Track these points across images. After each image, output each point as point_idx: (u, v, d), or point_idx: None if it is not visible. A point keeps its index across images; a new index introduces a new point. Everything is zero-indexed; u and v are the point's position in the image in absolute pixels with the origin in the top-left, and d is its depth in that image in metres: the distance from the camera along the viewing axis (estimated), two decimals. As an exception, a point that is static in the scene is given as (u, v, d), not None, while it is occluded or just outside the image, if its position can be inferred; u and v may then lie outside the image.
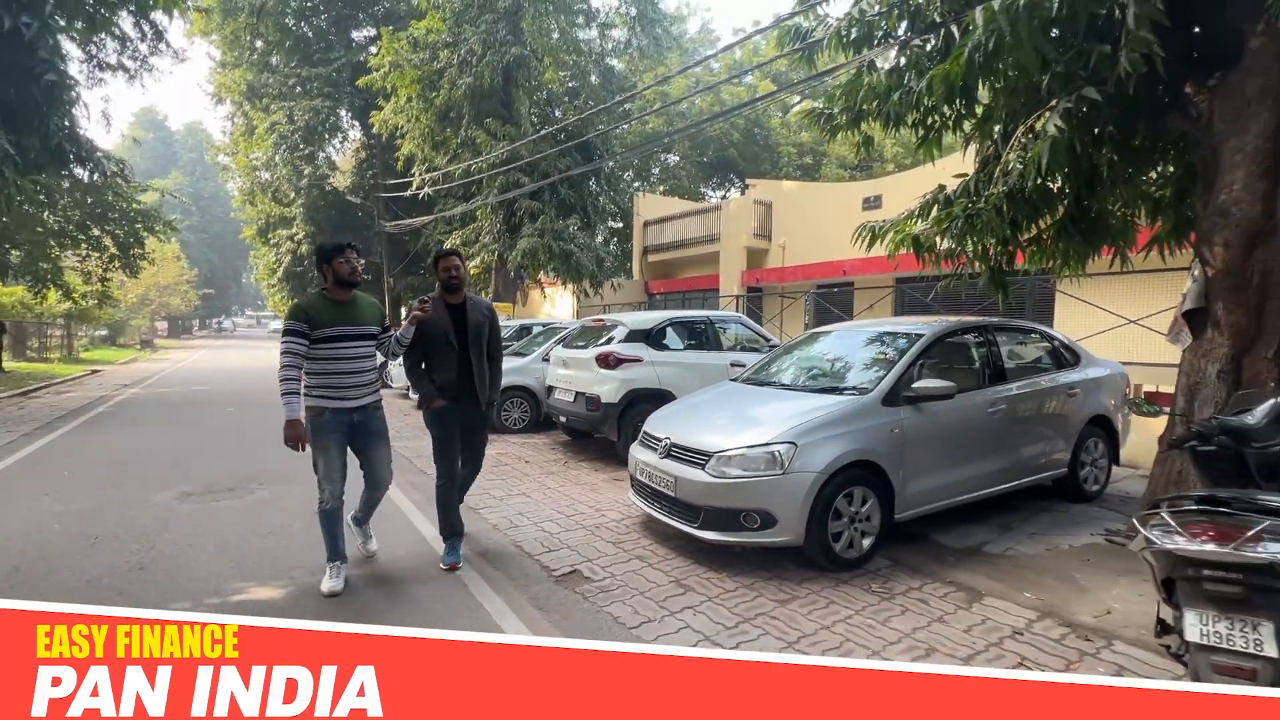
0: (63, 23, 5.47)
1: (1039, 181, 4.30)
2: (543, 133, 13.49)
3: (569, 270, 14.78)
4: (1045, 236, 5.15)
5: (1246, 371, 3.56)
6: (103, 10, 6.29)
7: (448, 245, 16.41)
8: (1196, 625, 1.97)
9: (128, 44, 11.49)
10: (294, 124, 20.13)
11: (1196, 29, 4.14)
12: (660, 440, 4.10)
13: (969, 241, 4.59)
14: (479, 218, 15.94)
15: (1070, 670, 2.63)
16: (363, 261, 3.68)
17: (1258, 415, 2.69)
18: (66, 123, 5.26)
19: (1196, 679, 1.99)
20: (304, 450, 3.23)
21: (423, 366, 3.72)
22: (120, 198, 13.71)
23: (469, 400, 3.74)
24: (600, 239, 19.28)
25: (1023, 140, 4.08)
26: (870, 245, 5.12)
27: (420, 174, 16.33)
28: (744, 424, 3.93)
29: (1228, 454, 2.64)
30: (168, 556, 3.81)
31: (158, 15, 11.26)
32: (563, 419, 7.09)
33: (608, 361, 6.41)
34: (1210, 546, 1.93)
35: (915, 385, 3.94)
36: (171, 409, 10.61)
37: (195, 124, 61.34)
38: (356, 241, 3.56)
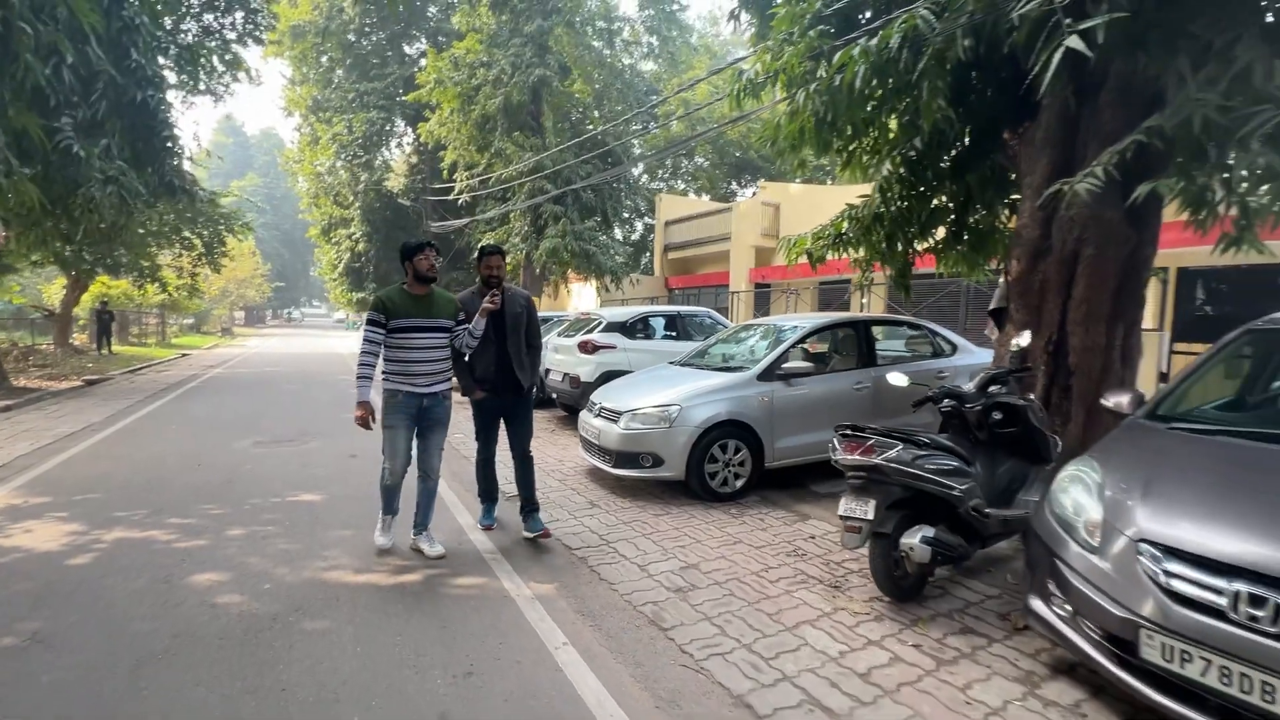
0: (174, 75, 7.25)
1: (893, 207, 5.45)
2: (565, 145, 14.94)
3: (589, 268, 16.23)
4: (940, 247, 6.20)
5: (1030, 357, 4.59)
6: (204, 57, 8.02)
7: (485, 245, 18.15)
8: (843, 504, 3.18)
9: (215, 73, 13.66)
10: (353, 134, 22.34)
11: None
12: (595, 405, 5.46)
13: (850, 251, 5.73)
14: (511, 219, 17.60)
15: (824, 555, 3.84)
16: (441, 260, 4.07)
17: (972, 384, 3.84)
18: (175, 163, 7.05)
19: (841, 537, 3.22)
20: (371, 428, 3.51)
21: (465, 359, 3.89)
22: (210, 204, 15.93)
23: (508, 390, 3.93)
24: (620, 236, 20.62)
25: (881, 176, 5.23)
26: (788, 257, 6.29)
27: (462, 180, 18.11)
28: (652, 392, 5.23)
29: (955, 411, 3.78)
30: (246, 477, 5.44)
31: (237, 46, 13.43)
32: (554, 395, 8.53)
33: (587, 348, 7.80)
34: (848, 456, 3.15)
35: (784, 365, 5.16)
36: (247, 385, 12.66)
37: (269, 129, 66.28)
38: (434, 240, 3.98)
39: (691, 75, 20.86)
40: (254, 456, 6.21)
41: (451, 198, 19.45)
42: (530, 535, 3.98)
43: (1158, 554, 2.09)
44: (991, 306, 4.91)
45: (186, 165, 7.98)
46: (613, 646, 2.75)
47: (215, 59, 7.67)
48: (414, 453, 3.70)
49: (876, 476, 3.10)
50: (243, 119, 76.57)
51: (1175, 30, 3.49)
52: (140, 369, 15.60)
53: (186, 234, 18.03)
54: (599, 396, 5.62)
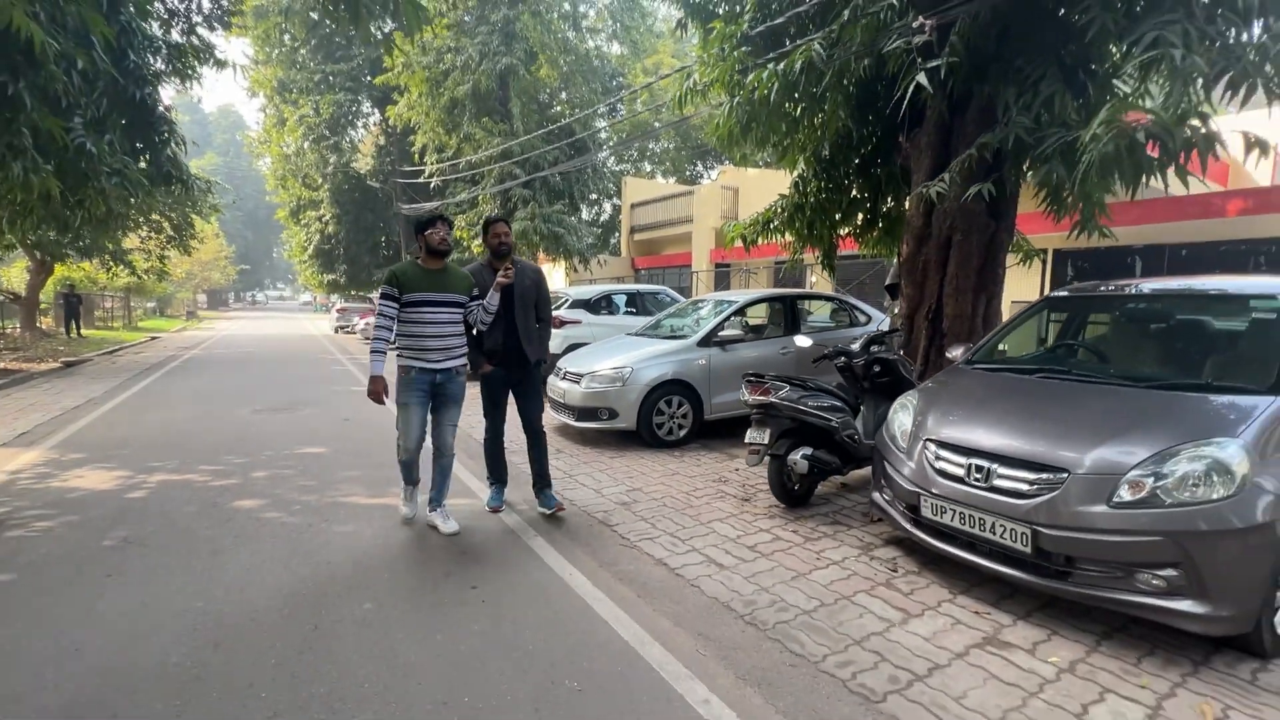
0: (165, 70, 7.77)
1: (812, 199, 6.41)
2: (535, 133, 15.56)
3: (558, 249, 16.96)
4: (859, 232, 7.19)
5: (916, 325, 5.63)
6: (191, 55, 8.48)
7: (455, 228, 18.70)
8: (748, 433, 4.16)
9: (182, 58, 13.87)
10: (320, 116, 22.44)
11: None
12: (561, 370, 6.36)
13: (779, 236, 6.69)
14: (481, 202, 18.16)
15: (726, 481, 4.84)
16: (453, 232, 3.92)
17: (859, 343, 4.84)
18: (170, 153, 7.62)
19: (745, 458, 4.21)
20: (385, 403, 3.52)
21: (473, 333, 3.80)
22: (204, 192, 16.05)
23: (516, 364, 3.86)
24: (589, 217, 21.30)
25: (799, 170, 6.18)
26: (726, 241, 7.22)
27: (432, 163, 18.55)
28: (609, 357, 6.15)
29: (846, 365, 4.77)
30: (255, 436, 6.21)
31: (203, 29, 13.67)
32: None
33: (554, 323, 8.65)
34: (751, 396, 4.12)
35: (720, 334, 6.12)
36: (229, 364, 13.18)
37: (227, 107, 64.26)
38: (447, 215, 3.82)
39: (654, 60, 21.50)
40: (256, 421, 6.96)
41: (422, 181, 19.87)
42: (546, 512, 3.96)
43: (934, 447, 3.10)
44: (887, 282, 5.94)
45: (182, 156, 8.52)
46: (570, 536, 3.69)
47: (197, 60, 8.06)
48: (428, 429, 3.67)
49: (772, 411, 4.08)
50: (198, 95, 73.87)
51: (1005, 65, 4.47)
52: (115, 351, 15.90)
53: (155, 216, 18.15)
54: (564, 363, 6.51)
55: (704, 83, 6.22)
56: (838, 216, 6.75)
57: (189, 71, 7.82)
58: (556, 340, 8.55)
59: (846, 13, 4.68)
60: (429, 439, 3.71)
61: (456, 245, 22.10)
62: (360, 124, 26.09)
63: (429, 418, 3.67)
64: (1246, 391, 2.73)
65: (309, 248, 26.39)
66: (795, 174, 6.48)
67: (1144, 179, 3.78)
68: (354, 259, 26.55)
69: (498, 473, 4.16)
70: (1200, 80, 3.35)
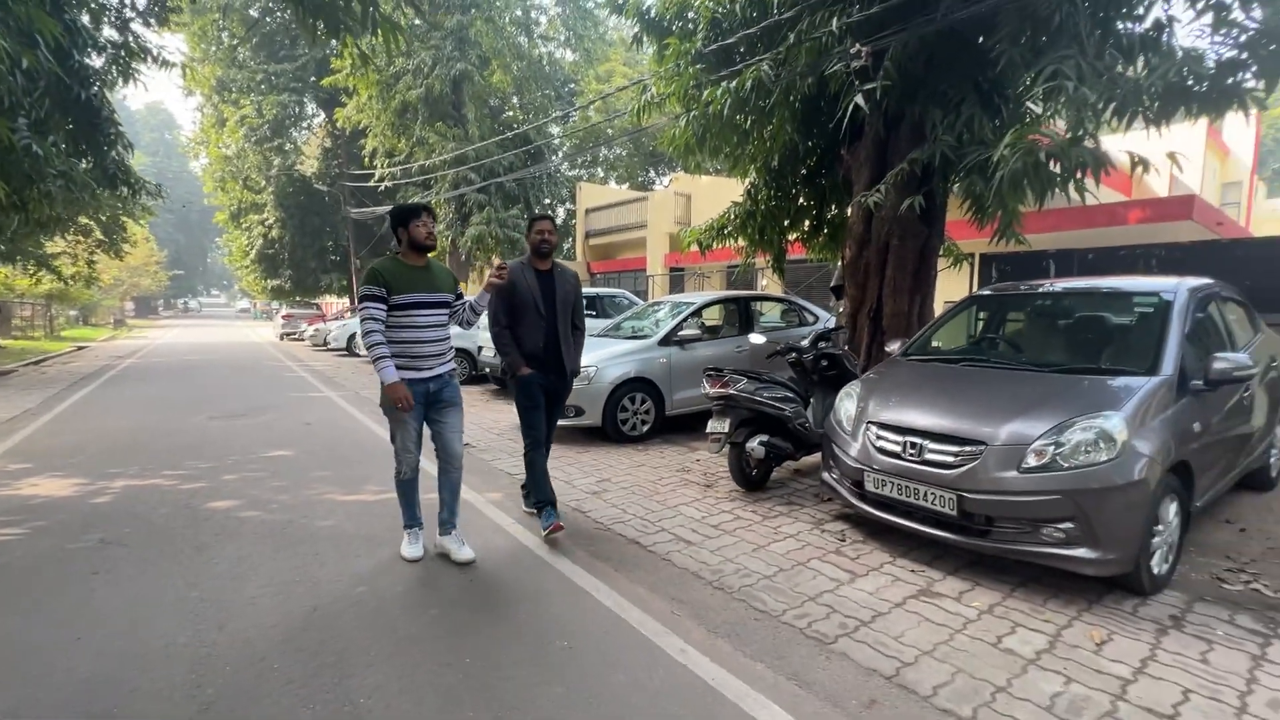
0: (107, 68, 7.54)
1: (762, 206, 6.84)
2: (489, 141, 15.63)
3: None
4: (806, 237, 7.67)
5: (859, 323, 6.10)
6: (134, 56, 8.23)
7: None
8: (710, 423, 4.49)
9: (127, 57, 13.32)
10: (263, 117, 21.78)
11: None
12: (527, 370, 6.56)
13: (732, 241, 7.08)
14: (435, 206, 18.05)
15: (690, 470, 5.17)
16: (438, 225, 3.64)
17: (808, 340, 5.24)
18: (115, 155, 7.40)
19: (708, 447, 4.55)
20: (409, 409, 3.09)
21: (511, 334, 3.62)
22: (155, 196, 15.31)
23: (555, 370, 3.70)
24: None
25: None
26: (683, 246, 7.57)
27: (383, 166, 18.32)
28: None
29: (797, 360, 5.16)
30: (216, 441, 6.16)
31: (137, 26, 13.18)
32: (488, 370, 9.50)
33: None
34: (711, 389, 4.45)
35: (680, 334, 6.45)
36: (173, 371, 12.71)
37: (156, 104, 60.98)
38: (430, 209, 3.36)
39: (606, 68, 21.85)
40: (215, 427, 6.87)
41: (372, 184, 19.58)
42: (545, 529, 3.59)
43: (875, 429, 3.49)
44: (832, 284, 6.40)
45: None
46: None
47: (139, 59, 7.80)
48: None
49: (731, 402, 4.42)
50: (124, 92, 69.90)
51: (932, 89, 4.98)
52: (41, 361, 15.04)
53: (84, 220, 17.24)
54: (529, 363, 6.70)
55: (660, 96, 6.56)
56: (786, 223, 7.20)
57: (130, 71, 7.61)
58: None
59: (792, 36, 5.10)
60: (431, 452, 3.41)
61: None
62: (305, 125, 25.43)
63: (424, 429, 3.33)
64: (1129, 373, 3.23)
65: (251, 252, 25.51)
66: (747, 183, 6.89)
67: (1049, 192, 4.32)
68: (299, 264, 25.80)
69: (545, 491, 3.68)
70: (1094, 106, 3.88)
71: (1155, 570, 2.92)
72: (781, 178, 6.79)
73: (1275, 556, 3.35)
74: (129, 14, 12.81)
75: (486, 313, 3.58)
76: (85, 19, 7.74)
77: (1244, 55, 3.66)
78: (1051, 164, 4.03)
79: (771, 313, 8.61)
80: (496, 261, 19.80)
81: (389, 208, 20.29)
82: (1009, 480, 2.90)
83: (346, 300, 28.04)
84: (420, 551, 3.35)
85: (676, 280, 17.94)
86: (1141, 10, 4.27)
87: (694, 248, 7.27)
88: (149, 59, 8.28)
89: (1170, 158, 4.13)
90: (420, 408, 3.22)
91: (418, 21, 17.18)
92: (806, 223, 7.38)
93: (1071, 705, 2.11)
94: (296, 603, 2.83)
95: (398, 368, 3.10)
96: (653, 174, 30.74)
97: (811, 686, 2.22)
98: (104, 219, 18.02)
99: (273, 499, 4.35)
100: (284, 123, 22.83)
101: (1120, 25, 4.29)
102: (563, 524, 3.60)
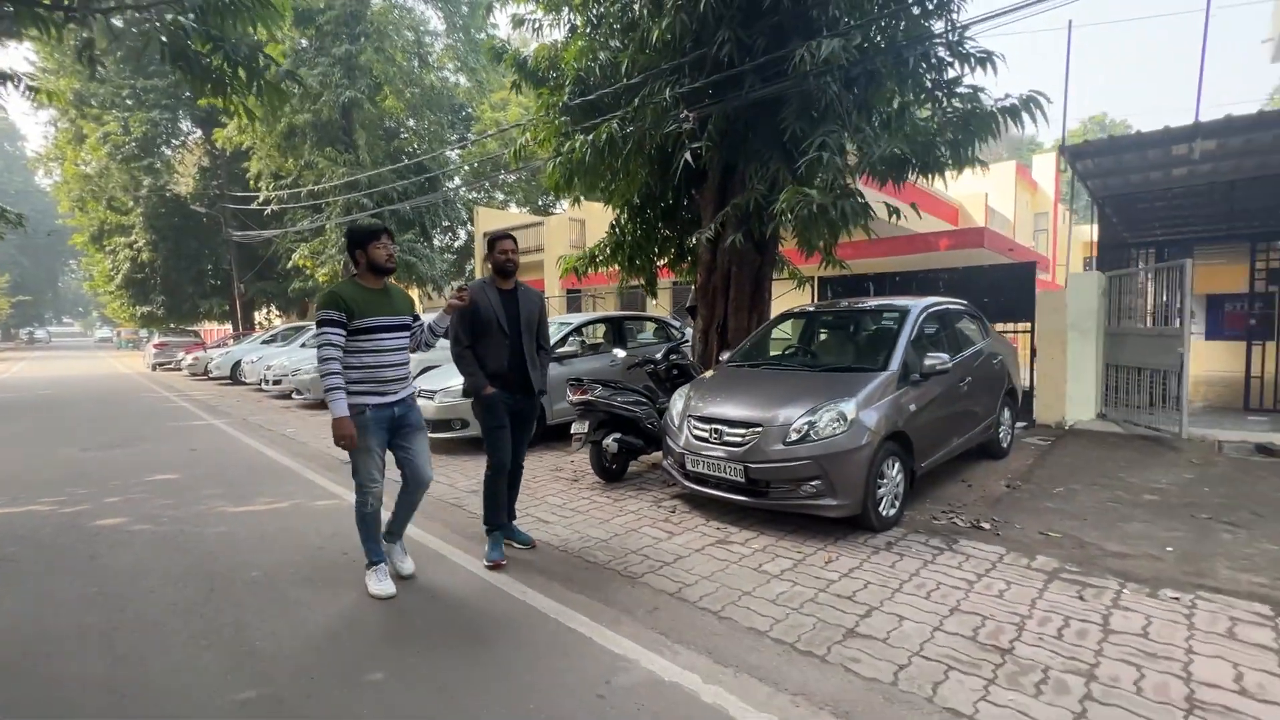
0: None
1: (629, 238, 7.80)
2: (384, 168, 15.80)
3: (410, 277, 17.17)
4: (672, 264, 8.70)
5: (709, 338, 7.15)
6: None
7: (298, 256, 18.14)
8: (574, 426, 5.27)
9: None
10: (130, 135, 20.52)
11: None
12: (417, 388, 7.06)
13: (606, 268, 7.99)
14: (327, 230, 17.84)
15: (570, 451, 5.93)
16: (396, 247, 3.36)
17: (660, 353, 6.17)
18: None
19: (572, 445, 5.34)
20: (358, 446, 3.03)
21: (472, 353, 3.59)
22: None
23: (521, 389, 3.67)
24: (445, 244, 21.60)
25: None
26: (561, 272, 8.38)
27: (269, 189, 17.88)
28: (458, 375, 6.97)
29: (652, 370, 6.06)
30: (95, 471, 6.18)
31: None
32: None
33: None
34: (574, 396, 5.24)
35: (556, 350, 7.23)
36: (30, 407, 11.85)
37: (-8, 111, 54.30)
38: (390, 231, 3.29)
39: (500, 96, 22.52)
40: (90, 459, 6.81)
41: (256, 207, 19.00)
42: (520, 546, 3.83)
43: (693, 421, 4.41)
44: (687, 305, 7.43)
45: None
46: (427, 515, 4.51)
47: None
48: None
49: (590, 407, 5.23)
50: (-52, 96, 61.62)
51: (751, 146, 6.12)
52: None
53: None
54: (420, 381, 7.21)
55: (535, 140, 7.40)
56: (655, 251, 8.21)
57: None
58: (413, 362, 9.15)
59: (637, 100, 6.09)
60: (396, 478, 3.36)
61: (298, 275, 21.20)
62: (180, 143, 24.06)
63: (388, 456, 3.25)
64: (869, 370, 4.35)
65: (117, 277, 23.63)
66: (612, 218, 7.82)
67: (842, 230, 5.51)
68: (174, 289, 24.22)
69: (499, 515, 3.67)
70: (854, 166, 5.11)
71: (884, 513, 4.00)
72: (644, 212, 7.78)
73: (982, 503, 4.57)
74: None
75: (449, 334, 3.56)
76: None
77: (943, 136, 5.02)
78: (833, 211, 5.22)
79: (647, 331, 9.58)
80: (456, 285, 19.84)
81: (274, 231, 19.75)
82: (778, 452, 3.89)
83: (229, 327, 26.52)
84: (392, 588, 3.18)
85: (574, 301, 18.73)
86: (892, 99, 5.62)
87: (574, 273, 8.11)
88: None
89: (913, 207, 5.45)
90: (384, 434, 3.15)
91: (305, 43, 17.09)
92: (672, 251, 8.43)
93: (789, 596, 3.05)
94: (194, 589, 3.29)
95: (363, 393, 3.04)
96: (551, 197, 31.57)
97: (613, 605, 3.03)
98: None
99: (162, 514, 4.64)
100: (155, 140, 21.55)
101: (878, 107, 5.62)
102: (504, 562, 3.56)
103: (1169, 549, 3.60)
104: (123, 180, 21.57)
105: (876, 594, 3.07)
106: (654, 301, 17.29)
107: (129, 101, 20.95)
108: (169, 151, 23.56)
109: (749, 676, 2.39)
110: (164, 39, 4.06)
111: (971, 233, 11.09)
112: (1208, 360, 12.99)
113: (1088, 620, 2.77)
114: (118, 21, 4.48)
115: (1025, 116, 5.01)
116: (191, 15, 4.26)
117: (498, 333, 3.57)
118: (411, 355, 3.37)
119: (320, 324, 3.00)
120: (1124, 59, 70.65)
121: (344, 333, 3.00)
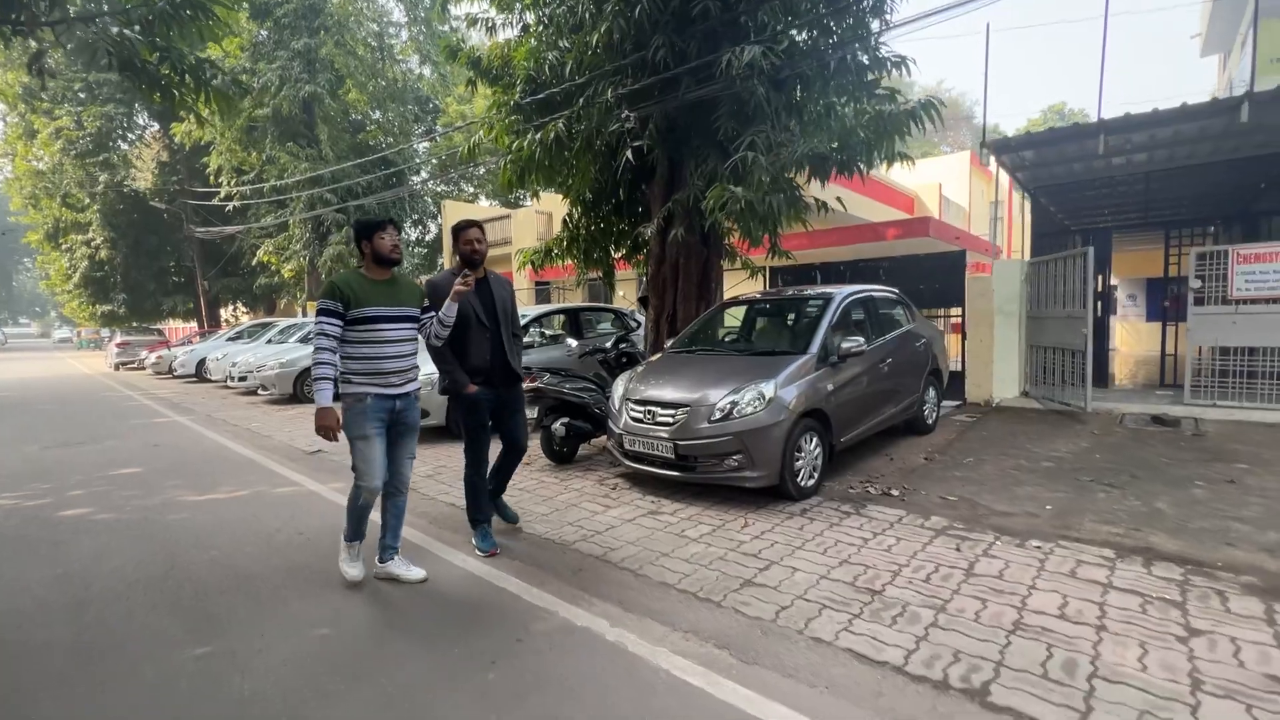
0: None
1: (584, 232, 8.09)
2: (348, 163, 15.78)
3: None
4: (628, 255, 8.99)
5: (660, 327, 7.48)
6: None
7: (263, 252, 18.02)
8: (530, 414, 5.57)
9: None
10: (84, 130, 20.09)
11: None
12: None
13: (561, 261, 8.26)
14: (291, 227, 17.75)
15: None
16: (401, 237, 3.30)
17: (610, 341, 6.49)
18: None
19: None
20: (337, 440, 3.03)
21: (451, 350, 3.48)
22: None
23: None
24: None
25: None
26: (518, 265, 8.63)
27: (231, 184, 17.71)
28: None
29: (603, 359, 6.37)
30: (56, 467, 6.31)
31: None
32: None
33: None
34: (526, 384, 5.54)
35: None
36: (-14, 410, 11.75)
37: (-65, 103, 52.15)
38: (395, 222, 3.28)
39: (463, 89, 22.50)
40: (51, 456, 6.92)
41: (218, 203, 18.79)
42: (507, 523, 3.98)
43: (631, 404, 4.75)
44: (639, 295, 7.75)
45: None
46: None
47: None
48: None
49: (539, 394, 5.53)
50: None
51: (691, 144, 6.44)
52: None
53: None
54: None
55: (488, 138, 7.62)
56: (611, 244, 8.50)
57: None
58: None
59: (581, 100, 6.36)
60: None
61: (264, 271, 21.02)
62: (137, 136, 23.56)
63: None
64: (791, 353, 4.73)
65: (74, 275, 23.15)
66: (565, 212, 8.10)
67: (781, 223, 5.88)
68: (135, 287, 23.80)
69: (484, 510, 3.70)
70: (769, 168, 5.46)
71: (802, 483, 4.38)
72: (598, 207, 8.06)
73: (898, 474, 4.99)
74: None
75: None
76: None
77: (856, 136, 5.40)
78: (760, 207, 5.57)
79: (605, 322, 9.88)
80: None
81: (238, 227, 19.56)
82: (703, 429, 4.25)
83: (194, 325, 26.14)
84: (362, 572, 3.24)
85: (542, 293, 18.94)
86: (820, 99, 5.98)
87: (531, 266, 8.36)
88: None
89: (839, 201, 5.82)
90: (385, 425, 3.13)
91: (264, 34, 16.89)
92: (627, 244, 8.73)
93: (701, 556, 3.41)
94: (156, 567, 3.54)
95: (365, 383, 3.05)
96: (522, 190, 31.58)
97: (544, 569, 3.36)
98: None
99: (126, 504, 4.84)
100: (110, 135, 21.10)
101: (807, 108, 5.98)
102: (498, 550, 3.59)
103: (1048, 507, 4.04)
104: (78, 176, 21.12)
105: (780, 551, 3.45)
106: (621, 294, 17.62)
107: (81, 95, 20.49)
108: (125, 146, 23.08)
109: (651, 620, 2.74)
110: (110, 49, 4.20)
111: (917, 222, 11.58)
112: (1149, 340, 13.74)
113: (955, 566, 3.18)
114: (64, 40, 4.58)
115: (982, 120, 5.42)
116: (137, 27, 4.40)
117: (478, 325, 3.49)
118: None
119: (317, 313, 3.03)
120: (1088, 50, 72.68)
121: (340, 323, 3.00)
